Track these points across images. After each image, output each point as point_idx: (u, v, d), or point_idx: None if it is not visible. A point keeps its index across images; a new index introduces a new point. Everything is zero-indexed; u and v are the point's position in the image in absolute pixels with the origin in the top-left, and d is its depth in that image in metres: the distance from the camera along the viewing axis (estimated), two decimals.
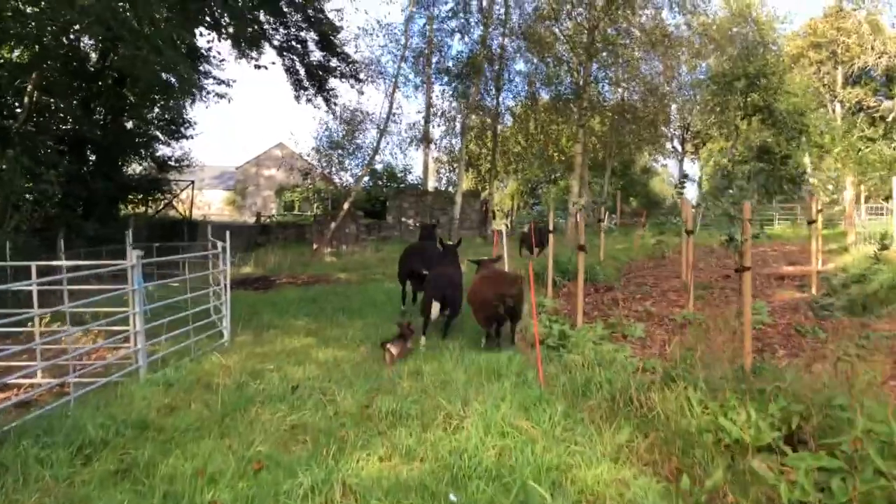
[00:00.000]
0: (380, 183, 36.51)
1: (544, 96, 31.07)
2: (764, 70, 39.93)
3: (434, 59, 28.13)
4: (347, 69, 25.69)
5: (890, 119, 40.52)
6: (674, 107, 33.82)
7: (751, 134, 46.62)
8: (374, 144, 26.88)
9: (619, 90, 30.60)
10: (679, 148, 51.46)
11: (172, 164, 28.03)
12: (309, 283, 16.13)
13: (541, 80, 29.97)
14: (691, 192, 61.31)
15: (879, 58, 41.09)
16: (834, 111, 45.11)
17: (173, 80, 22.83)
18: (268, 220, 40.63)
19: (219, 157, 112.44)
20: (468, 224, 33.79)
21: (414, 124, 29.75)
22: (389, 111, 25.84)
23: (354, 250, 26.70)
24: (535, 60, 29.02)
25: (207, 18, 24.41)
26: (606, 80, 29.54)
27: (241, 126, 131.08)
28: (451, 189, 33.64)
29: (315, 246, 26.08)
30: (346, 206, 25.32)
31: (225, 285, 9.09)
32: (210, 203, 60.04)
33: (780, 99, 40.64)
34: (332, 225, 25.15)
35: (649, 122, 30.84)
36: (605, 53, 27.95)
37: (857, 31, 43.38)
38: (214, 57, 25.03)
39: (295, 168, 33.09)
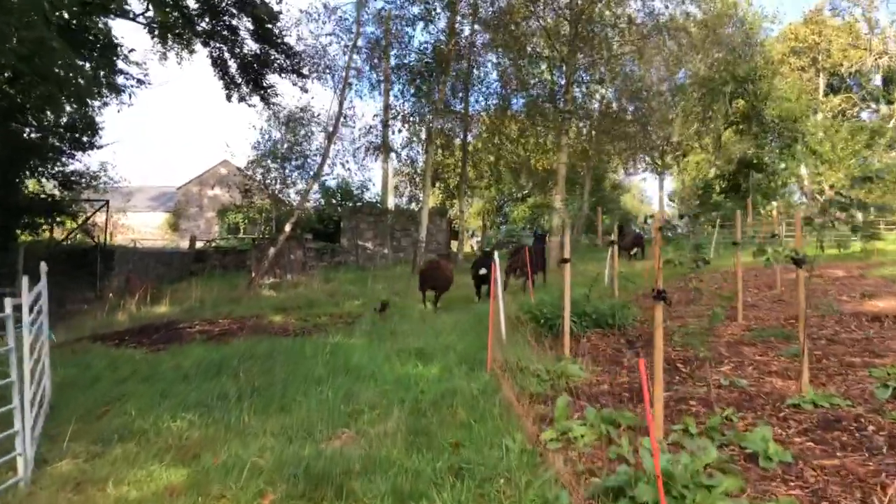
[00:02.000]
0: (333, 201, 32.61)
1: (518, 102, 27.43)
2: (752, 74, 37.10)
3: (393, 52, 24.35)
4: (288, 62, 21.75)
5: (891, 125, 38.11)
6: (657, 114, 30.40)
7: (731, 145, 43.96)
8: (322, 153, 22.84)
9: (605, 90, 27.25)
10: (658, 160, 48.43)
11: (79, 180, 23.71)
12: (228, 333, 12.10)
13: (515, 82, 26.36)
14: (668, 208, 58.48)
15: (879, 58, 38.55)
16: (817, 120, 42.63)
17: (77, 75, 18.90)
18: (208, 244, 36.28)
19: (162, 177, 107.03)
20: (434, 246, 30.07)
21: (370, 129, 25.77)
22: (339, 112, 21.90)
23: (300, 280, 22.67)
24: (510, 58, 25.34)
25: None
26: (591, 80, 26.04)
27: (189, 143, 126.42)
28: (414, 206, 29.83)
29: (253, 275, 21.96)
30: (287, 227, 21.28)
31: (19, 376, 5.04)
32: (147, 226, 55.47)
33: (770, 105, 37.85)
34: (271, 251, 21.06)
35: (641, 126, 27.37)
36: (587, 49, 24.54)
37: (849, 31, 41.11)
38: (122, 48, 20.85)
39: (233, 185, 28.96)
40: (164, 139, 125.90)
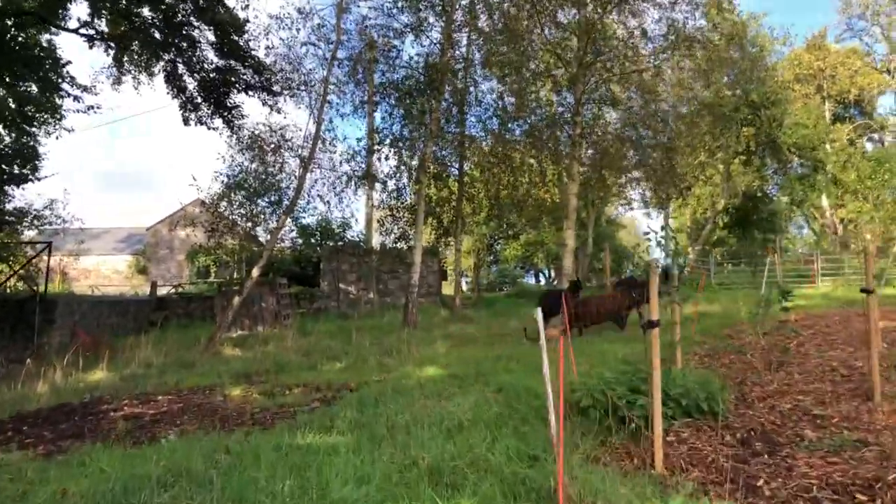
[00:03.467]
0: (312, 240, 29.71)
1: (521, 126, 24.60)
2: (766, 99, 34.72)
3: (379, 67, 21.47)
4: (257, 78, 18.92)
5: None
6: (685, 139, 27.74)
7: (737, 176, 41.52)
8: (296, 184, 19.84)
9: (617, 113, 24.64)
10: (663, 193, 45.83)
11: (15, 220, 20.69)
12: (162, 421, 9.05)
13: (516, 103, 23.62)
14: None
15: None
16: (835, 147, 40.29)
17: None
18: (174, 290, 33.13)
19: (135, 217, 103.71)
20: (425, 290, 27.18)
21: (353, 155, 22.76)
22: (317, 134, 19.02)
23: (271, 333, 19.63)
24: (511, 76, 22.61)
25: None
26: (601, 101, 23.35)
27: (166, 182, 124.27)
28: (401, 245, 26.85)
29: (218, 325, 18.82)
30: (255, 272, 18.26)
31: None
32: (111, 270, 52.39)
33: (786, 132, 35.44)
34: (236, 300, 18.00)
35: (665, 151, 24.68)
36: (598, 67, 21.99)
37: (864, 55, 39.04)
38: (65, 66, 18.06)
39: (197, 223, 25.91)
40: (141, 179, 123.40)
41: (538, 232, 44.55)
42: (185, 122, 18.98)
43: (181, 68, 18.04)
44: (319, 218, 28.84)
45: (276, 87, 19.64)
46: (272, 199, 23.08)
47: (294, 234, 29.18)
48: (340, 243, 29.02)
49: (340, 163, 22.63)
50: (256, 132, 20.88)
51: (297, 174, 20.65)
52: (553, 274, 59.76)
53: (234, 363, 14.54)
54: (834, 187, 35.96)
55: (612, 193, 34.12)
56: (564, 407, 7.22)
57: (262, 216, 22.17)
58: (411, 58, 21.10)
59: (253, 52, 18.60)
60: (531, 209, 27.90)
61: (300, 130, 21.21)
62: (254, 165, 21.43)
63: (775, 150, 36.35)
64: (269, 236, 24.03)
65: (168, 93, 18.53)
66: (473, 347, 14.20)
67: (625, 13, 21.63)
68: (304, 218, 28.30)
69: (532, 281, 58.01)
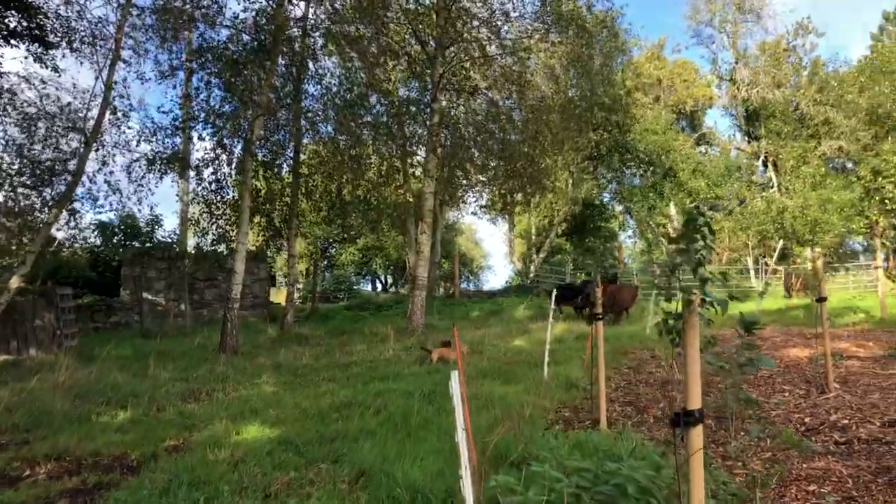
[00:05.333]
0: (115, 241, 25.01)
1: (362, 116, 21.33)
2: (615, 103, 33.84)
3: (196, 24, 17.40)
4: (24, 25, 14.43)
5: (758, 163, 36.52)
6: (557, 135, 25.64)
7: (581, 183, 40.71)
8: (76, 166, 15.41)
9: (474, 104, 22.17)
10: (509, 198, 44.22)
11: None
12: None
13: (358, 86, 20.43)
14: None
15: (749, 89, 36.62)
16: (684, 154, 40.39)
17: None
18: None
19: None
20: (249, 300, 23.54)
21: (155, 132, 18.26)
22: (104, 103, 14.82)
23: (46, 359, 15.17)
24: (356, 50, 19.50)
25: None
26: (459, 87, 20.74)
27: None
28: (221, 248, 22.69)
29: None
30: (14, 280, 13.84)
31: None
32: None
33: (636, 138, 34.80)
34: None
35: (532, 146, 22.52)
36: (458, 49, 19.43)
37: (696, 67, 39.44)
38: None
39: None
40: None
41: (377, 236, 41.51)
42: None
43: None
44: (123, 214, 24.04)
45: (51, 38, 15.21)
46: (53, 188, 18.10)
47: (91, 231, 24.35)
48: (148, 244, 24.48)
49: (138, 142, 18.12)
50: (10, 87, 16.02)
51: (77, 150, 16.11)
52: (390, 280, 56.84)
53: None
54: (683, 195, 35.82)
55: (460, 197, 31.87)
56: None
57: (32, 207, 17.28)
58: (237, 16, 17.19)
59: None
60: (377, 209, 24.69)
61: (84, 94, 16.47)
62: (12, 132, 16.47)
63: (623, 156, 35.77)
64: (54, 233, 19.33)
65: None
66: (312, 386, 10.85)
67: None
68: (102, 213, 23.54)
69: (370, 288, 54.80)
